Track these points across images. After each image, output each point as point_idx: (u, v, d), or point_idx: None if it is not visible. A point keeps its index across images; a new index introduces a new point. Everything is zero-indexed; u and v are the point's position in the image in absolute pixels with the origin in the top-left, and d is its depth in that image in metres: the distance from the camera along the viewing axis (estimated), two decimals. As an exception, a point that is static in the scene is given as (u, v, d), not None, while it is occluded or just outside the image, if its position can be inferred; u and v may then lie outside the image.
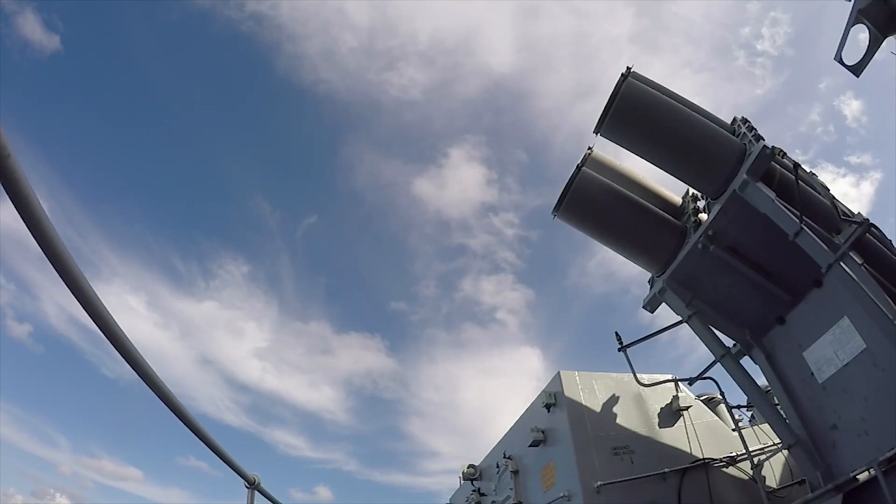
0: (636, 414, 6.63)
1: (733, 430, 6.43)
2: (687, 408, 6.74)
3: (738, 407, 7.12)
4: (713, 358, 5.83)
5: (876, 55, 4.63)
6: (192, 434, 3.04)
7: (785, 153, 5.32)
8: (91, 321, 1.96)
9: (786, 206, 4.95)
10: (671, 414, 6.71)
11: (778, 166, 5.50)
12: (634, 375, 6.38)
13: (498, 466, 7.76)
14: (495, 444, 8.39)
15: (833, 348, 4.83)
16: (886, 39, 4.55)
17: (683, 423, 6.63)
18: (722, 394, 6.55)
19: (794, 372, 5.29)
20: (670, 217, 6.43)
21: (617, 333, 6.47)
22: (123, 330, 2.15)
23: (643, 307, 6.47)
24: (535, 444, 6.77)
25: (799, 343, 5.23)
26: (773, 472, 6.50)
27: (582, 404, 6.46)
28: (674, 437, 6.51)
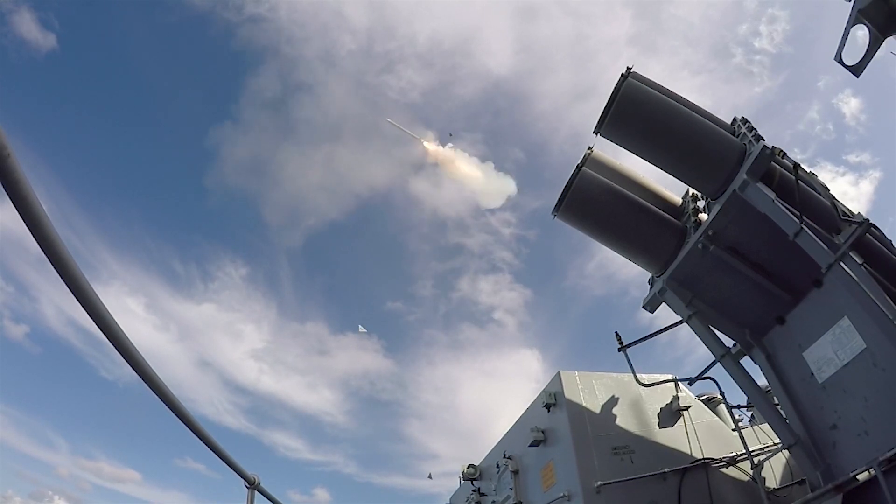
0: (636, 414, 6.62)
1: (733, 430, 6.42)
2: (687, 408, 6.74)
3: (738, 407, 7.11)
4: (713, 358, 5.83)
5: (876, 55, 4.63)
6: (193, 434, 3.03)
7: (785, 153, 5.32)
8: (91, 322, 1.96)
9: (786, 206, 4.95)
10: (671, 414, 6.71)
11: (778, 166, 5.50)
12: (634, 375, 6.38)
13: (498, 466, 7.76)
14: (495, 444, 8.40)
15: (833, 348, 4.83)
16: (886, 39, 4.55)
17: (683, 423, 6.63)
18: (722, 394, 6.55)
19: (794, 372, 5.29)
20: (670, 217, 6.43)
21: (617, 333, 6.48)
22: (124, 330, 2.14)
23: (643, 307, 6.46)
24: (535, 444, 6.77)
25: (799, 343, 5.23)
26: (773, 472, 6.50)
27: (582, 404, 6.46)
28: (674, 437, 6.51)
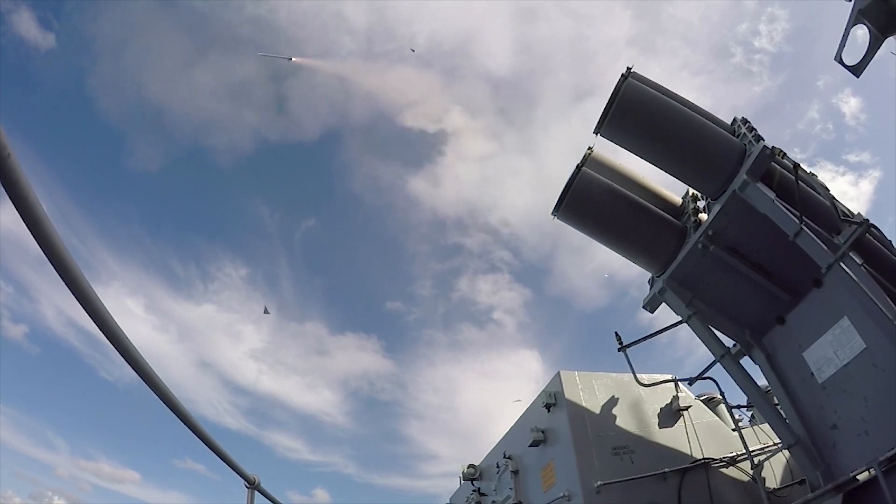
0: (636, 414, 6.62)
1: (733, 430, 6.42)
2: (687, 408, 6.73)
3: (738, 407, 7.10)
4: (713, 358, 5.83)
5: (876, 55, 4.63)
6: (193, 435, 3.03)
7: (785, 153, 5.33)
8: (91, 322, 1.96)
9: (786, 207, 4.94)
10: (671, 414, 6.71)
11: (778, 166, 5.50)
12: (634, 375, 6.37)
13: (498, 466, 7.76)
14: (495, 444, 8.40)
15: (833, 348, 4.83)
16: (886, 40, 4.55)
17: (683, 423, 6.63)
18: (722, 394, 6.55)
19: (794, 372, 5.29)
20: (670, 217, 6.42)
21: (617, 333, 6.48)
22: (123, 330, 2.14)
23: (643, 307, 6.46)
24: (535, 444, 6.76)
25: (799, 343, 5.23)
26: (773, 472, 6.49)
27: (582, 404, 6.45)
28: (674, 437, 6.51)
